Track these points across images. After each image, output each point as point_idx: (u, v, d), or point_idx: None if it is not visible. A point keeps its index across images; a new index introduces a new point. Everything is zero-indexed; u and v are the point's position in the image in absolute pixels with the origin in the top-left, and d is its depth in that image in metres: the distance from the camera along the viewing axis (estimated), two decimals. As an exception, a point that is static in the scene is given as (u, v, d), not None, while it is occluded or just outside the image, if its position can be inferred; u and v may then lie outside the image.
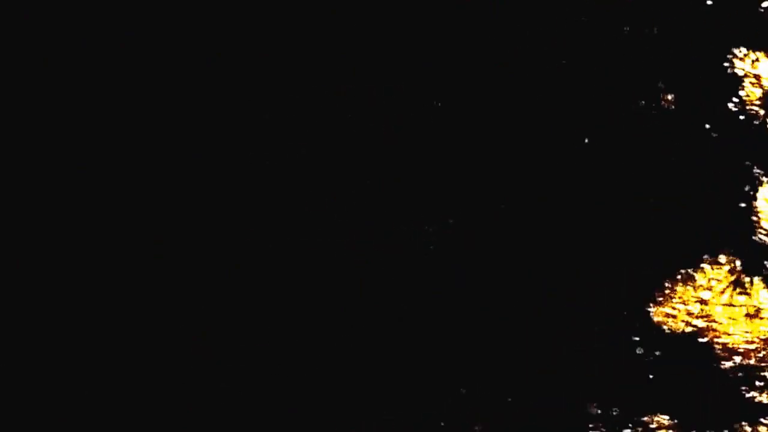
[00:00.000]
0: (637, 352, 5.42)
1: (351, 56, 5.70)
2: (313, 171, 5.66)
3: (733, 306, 5.40)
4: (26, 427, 5.41)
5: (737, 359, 5.38)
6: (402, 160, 5.65)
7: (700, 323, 5.43)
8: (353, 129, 5.68)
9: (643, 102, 5.53)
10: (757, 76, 5.43)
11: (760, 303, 5.39)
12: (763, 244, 5.41)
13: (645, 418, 5.42)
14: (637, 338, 5.45)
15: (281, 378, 5.49)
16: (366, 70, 5.70)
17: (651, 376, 5.40)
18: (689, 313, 5.43)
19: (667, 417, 5.39)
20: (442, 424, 5.44)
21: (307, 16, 5.74)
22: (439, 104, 5.68)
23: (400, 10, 5.72)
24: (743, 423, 5.37)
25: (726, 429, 5.37)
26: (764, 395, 5.38)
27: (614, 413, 5.44)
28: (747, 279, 5.42)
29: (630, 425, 5.44)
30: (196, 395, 5.46)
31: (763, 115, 5.44)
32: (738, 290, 5.40)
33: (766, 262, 5.44)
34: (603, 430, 5.45)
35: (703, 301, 5.41)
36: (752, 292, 5.42)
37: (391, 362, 5.49)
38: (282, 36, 5.74)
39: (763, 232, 5.42)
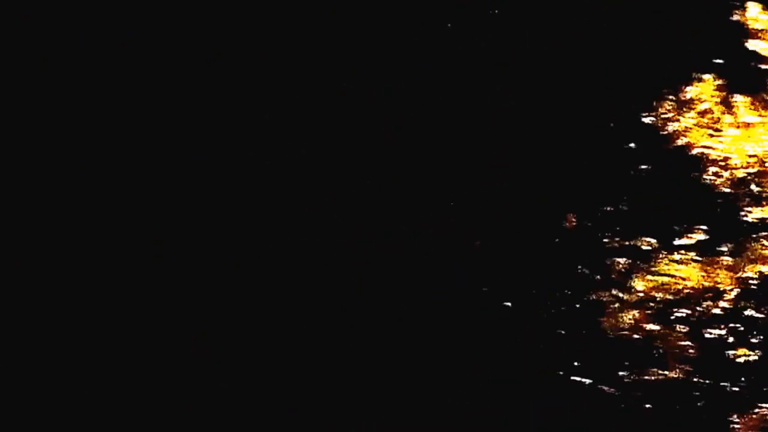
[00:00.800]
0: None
1: (351, 56, 5.70)
2: (313, 171, 5.66)
3: (720, 125, 5.44)
4: (26, 427, 5.42)
5: (726, 174, 5.43)
6: (402, 160, 5.65)
7: (687, 140, 5.46)
8: (353, 129, 5.68)
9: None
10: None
11: (746, 120, 5.43)
12: (749, 61, 5.45)
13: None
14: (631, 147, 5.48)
15: (281, 378, 5.49)
16: (366, 70, 5.70)
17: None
18: (676, 132, 5.46)
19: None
20: (442, 424, 5.44)
21: (307, 16, 5.74)
22: (439, 104, 5.68)
23: (399, 11, 5.72)
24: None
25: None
26: (758, 211, 5.44)
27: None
28: (733, 97, 5.46)
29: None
30: (196, 395, 5.46)
31: None
32: (725, 108, 5.44)
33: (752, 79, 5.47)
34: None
35: (688, 124, 5.45)
36: (737, 111, 5.45)
37: (391, 362, 5.49)
38: (282, 36, 5.74)
39: (750, 49, 5.45)
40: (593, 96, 5.62)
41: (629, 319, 5.41)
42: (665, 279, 5.41)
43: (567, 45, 5.63)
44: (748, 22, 5.49)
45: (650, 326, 5.40)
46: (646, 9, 5.62)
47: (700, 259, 5.42)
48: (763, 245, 5.41)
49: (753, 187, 5.45)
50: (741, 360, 5.35)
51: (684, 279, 5.39)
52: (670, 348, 5.40)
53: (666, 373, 5.41)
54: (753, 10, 5.50)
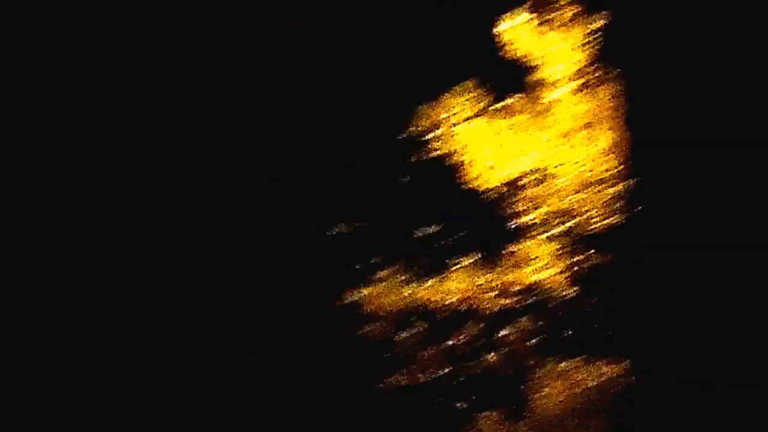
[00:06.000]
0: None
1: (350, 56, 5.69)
2: (312, 170, 5.66)
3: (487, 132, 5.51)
4: (26, 427, 5.43)
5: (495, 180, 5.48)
6: (401, 160, 5.64)
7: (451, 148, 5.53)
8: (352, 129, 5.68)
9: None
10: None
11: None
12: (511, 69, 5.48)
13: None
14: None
15: (280, 377, 5.51)
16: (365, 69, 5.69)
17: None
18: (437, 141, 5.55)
19: None
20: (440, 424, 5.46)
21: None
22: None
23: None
24: None
25: None
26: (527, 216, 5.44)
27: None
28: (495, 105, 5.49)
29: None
30: (196, 395, 5.47)
31: None
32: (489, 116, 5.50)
33: None
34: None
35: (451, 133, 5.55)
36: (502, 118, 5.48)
37: (390, 363, 5.50)
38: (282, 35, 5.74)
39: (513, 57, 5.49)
40: (355, 107, 5.62)
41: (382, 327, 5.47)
42: (430, 285, 5.45)
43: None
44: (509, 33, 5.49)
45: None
46: (407, 19, 5.62)
47: (464, 265, 5.44)
48: (526, 249, 5.41)
49: (526, 192, 5.45)
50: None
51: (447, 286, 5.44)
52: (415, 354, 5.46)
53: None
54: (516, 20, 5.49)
